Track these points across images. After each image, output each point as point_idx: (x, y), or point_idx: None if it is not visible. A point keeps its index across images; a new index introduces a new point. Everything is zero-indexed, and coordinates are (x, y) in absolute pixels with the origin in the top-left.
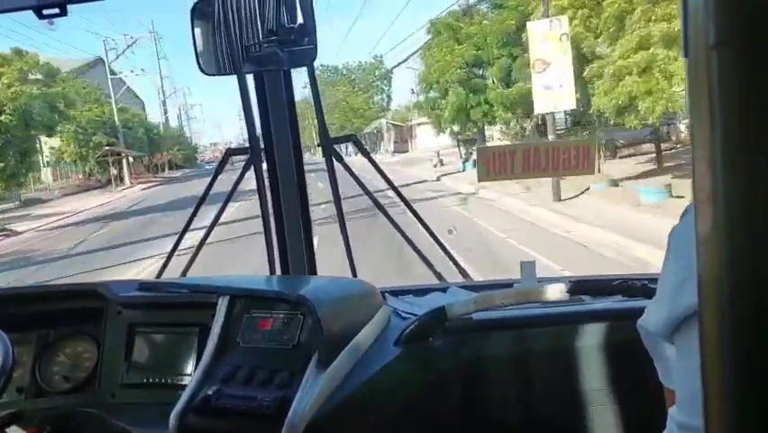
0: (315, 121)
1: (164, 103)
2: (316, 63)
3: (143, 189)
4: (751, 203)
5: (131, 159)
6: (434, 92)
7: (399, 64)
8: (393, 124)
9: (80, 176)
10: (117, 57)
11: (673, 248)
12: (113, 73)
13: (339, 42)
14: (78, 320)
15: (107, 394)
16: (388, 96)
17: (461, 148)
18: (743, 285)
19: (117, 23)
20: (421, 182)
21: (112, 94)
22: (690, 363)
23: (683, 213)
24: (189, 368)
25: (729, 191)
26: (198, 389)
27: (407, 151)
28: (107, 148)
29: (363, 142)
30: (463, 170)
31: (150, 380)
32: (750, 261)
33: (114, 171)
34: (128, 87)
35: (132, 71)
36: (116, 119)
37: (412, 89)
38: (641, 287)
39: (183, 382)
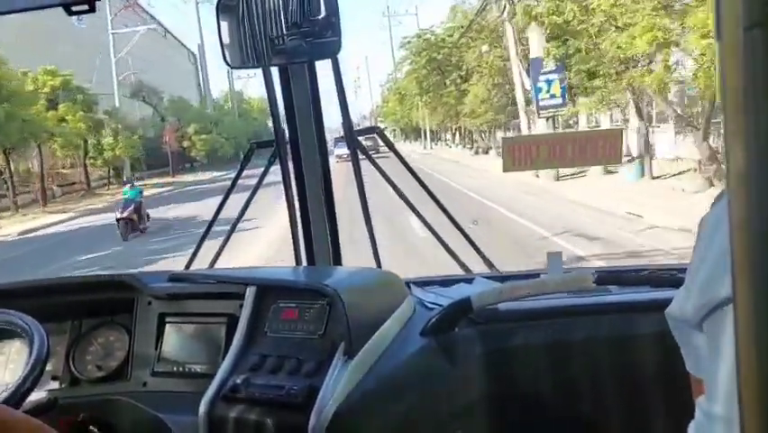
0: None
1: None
2: None
3: None
4: None
5: None
6: None
7: None
8: None
9: None
10: None
11: (705, 236)
12: None
13: None
14: (110, 310)
15: (138, 382)
16: None
17: None
18: None
19: None
20: None
21: None
22: (723, 353)
23: (714, 201)
24: (218, 357)
25: (764, 176)
26: (227, 377)
27: None
28: None
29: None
30: None
31: (180, 369)
32: None
33: None
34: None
35: None
36: None
37: None
38: (669, 277)
39: (212, 371)
